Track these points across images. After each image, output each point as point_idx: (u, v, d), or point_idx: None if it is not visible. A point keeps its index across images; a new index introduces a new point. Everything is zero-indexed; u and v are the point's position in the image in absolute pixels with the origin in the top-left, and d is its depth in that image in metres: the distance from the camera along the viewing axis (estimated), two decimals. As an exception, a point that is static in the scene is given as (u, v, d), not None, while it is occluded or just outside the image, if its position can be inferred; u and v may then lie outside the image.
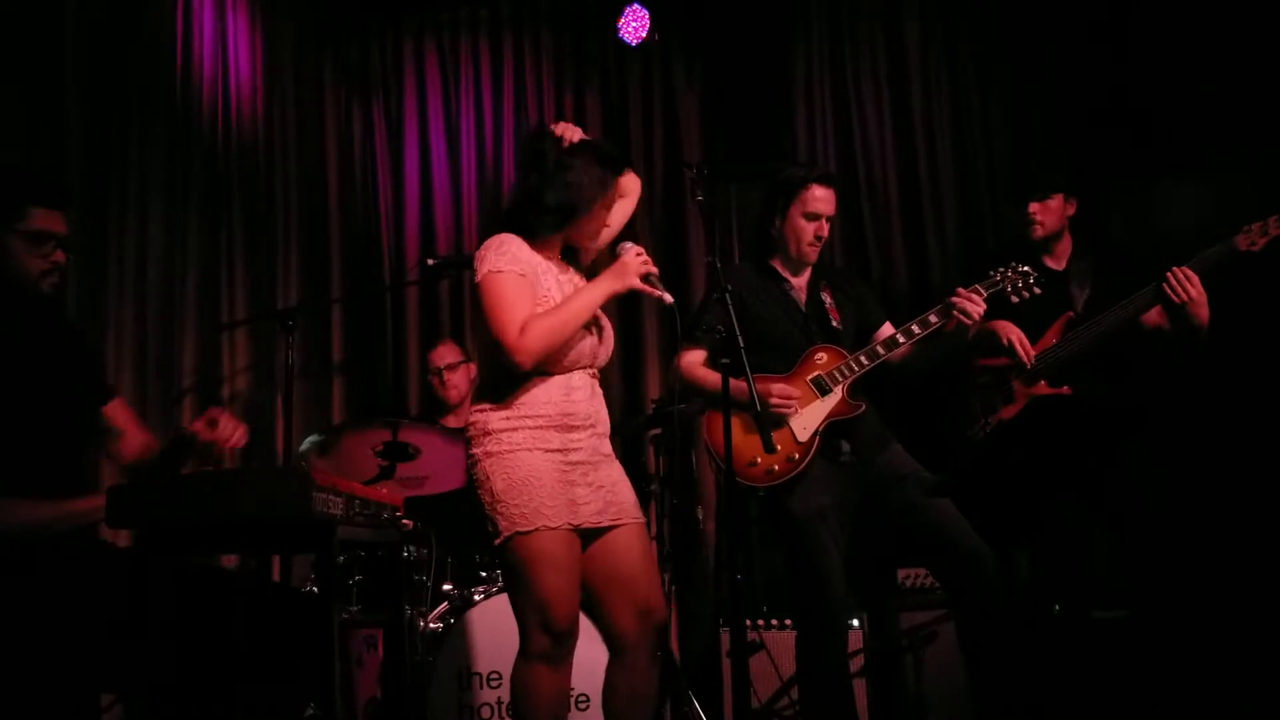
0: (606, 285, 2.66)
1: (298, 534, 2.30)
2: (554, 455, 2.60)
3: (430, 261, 4.24)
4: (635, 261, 2.67)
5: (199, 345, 4.64)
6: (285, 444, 4.14)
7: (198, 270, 4.71)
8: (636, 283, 2.66)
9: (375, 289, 5.22)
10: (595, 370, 2.75)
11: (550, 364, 2.62)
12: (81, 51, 4.31)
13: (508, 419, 2.61)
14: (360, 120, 5.35)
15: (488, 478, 2.60)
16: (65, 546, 2.38)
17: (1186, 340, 3.32)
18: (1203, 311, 3.25)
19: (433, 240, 5.24)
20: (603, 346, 2.76)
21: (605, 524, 2.65)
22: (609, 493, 2.67)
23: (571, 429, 2.63)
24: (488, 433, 2.62)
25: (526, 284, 2.62)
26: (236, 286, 4.86)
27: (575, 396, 2.66)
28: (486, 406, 2.65)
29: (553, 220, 2.68)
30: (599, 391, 2.75)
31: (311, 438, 3.90)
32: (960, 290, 3.18)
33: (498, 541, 2.59)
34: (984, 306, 3.16)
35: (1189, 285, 3.23)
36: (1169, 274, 3.25)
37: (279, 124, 5.13)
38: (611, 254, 2.75)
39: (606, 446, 2.74)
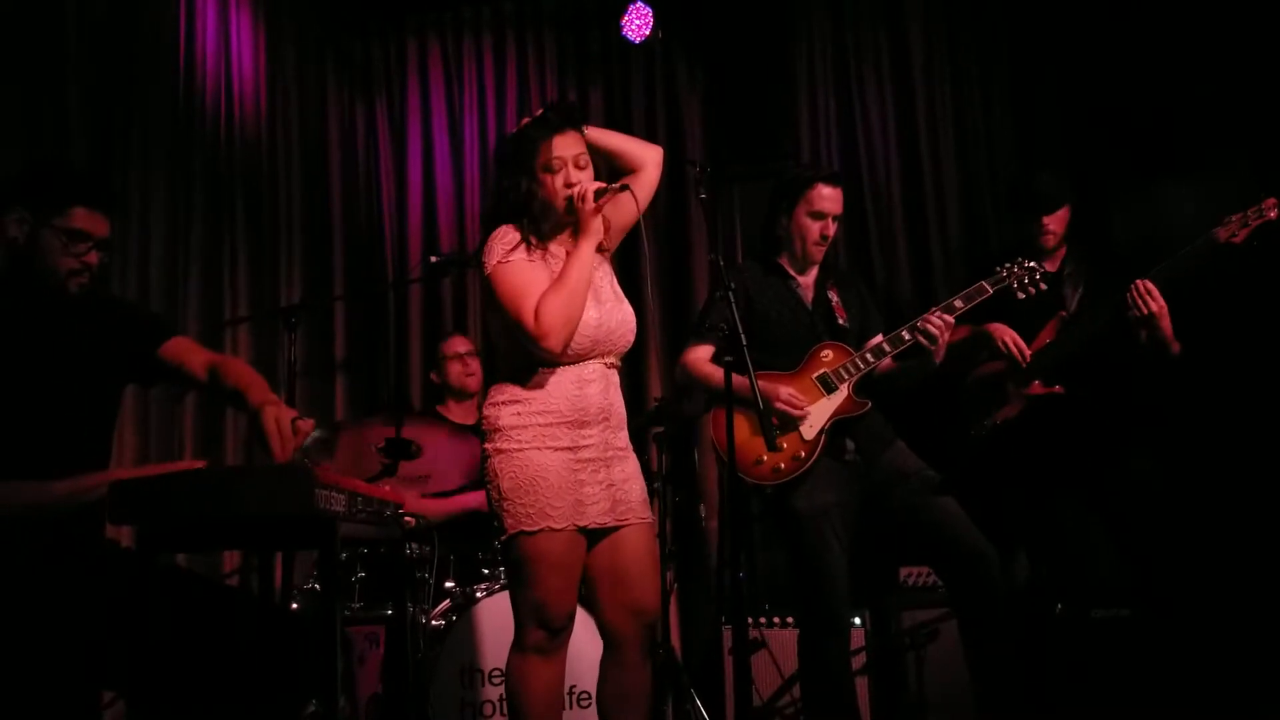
0: (582, 237, 2.62)
1: (300, 531, 2.29)
2: (563, 453, 2.59)
3: (433, 259, 4.23)
4: (576, 199, 2.61)
5: (201, 342, 4.60)
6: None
7: (200, 267, 4.71)
8: (595, 207, 2.61)
9: (378, 287, 5.22)
10: (614, 361, 2.71)
11: (567, 352, 2.60)
12: (83, 50, 4.31)
13: (518, 415, 2.61)
14: (363, 119, 5.36)
15: (496, 475, 2.60)
16: (69, 543, 2.38)
17: (1156, 352, 3.34)
18: (1165, 323, 3.28)
19: (435, 238, 5.25)
20: (621, 332, 2.71)
21: (611, 524, 2.64)
22: (618, 490, 2.65)
23: (583, 424, 2.61)
24: (498, 429, 2.62)
25: (537, 268, 2.62)
26: (239, 284, 4.86)
27: (588, 390, 2.63)
28: (498, 401, 2.65)
29: (524, 210, 2.65)
30: (615, 383, 2.71)
31: (314, 435, 3.90)
32: (935, 310, 3.19)
33: (503, 538, 2.61)
34: (946, 328, 3.15)
35: (1149, 299, 3.26)
36: (1131, 287, 3.28)
37: (282, 122, 5.13)
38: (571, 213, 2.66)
39: (621, 440, 2.71)
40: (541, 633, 2.57)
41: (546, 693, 2.59)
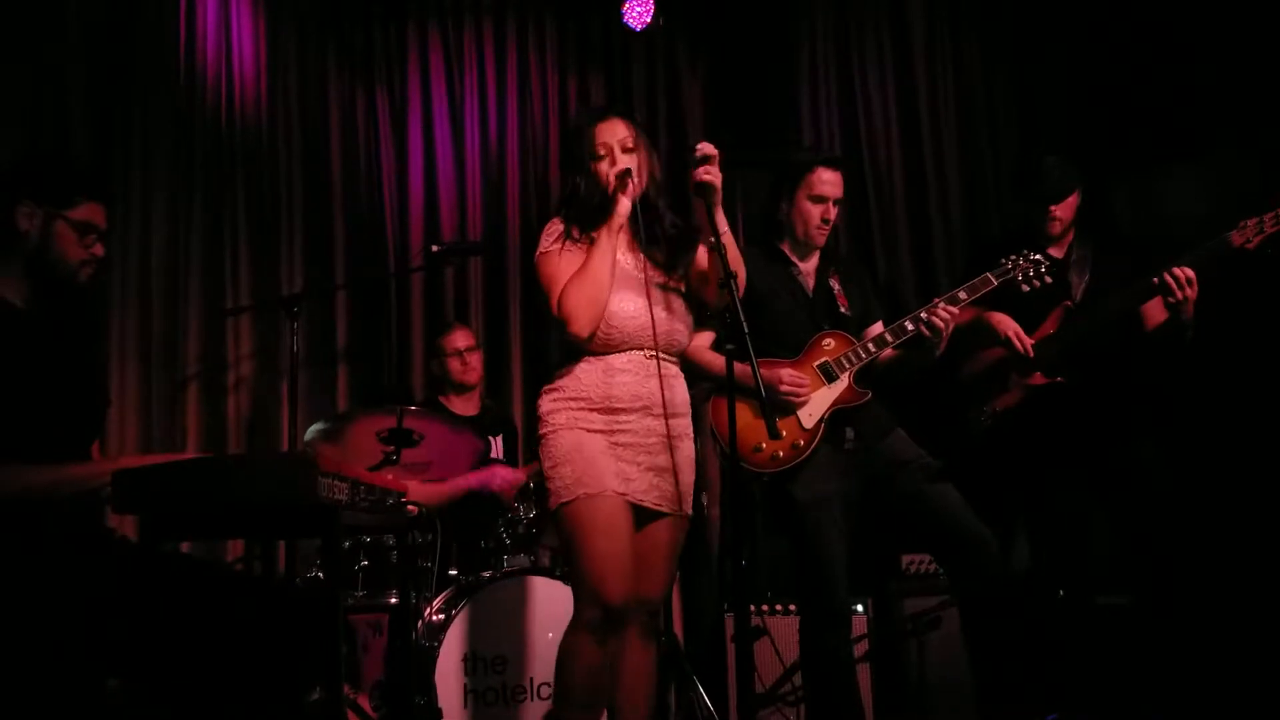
0: (606, 223, 2.71)
1: (303, 520, 2.31)
2: (597, 435, 2.67)
3: (435, 248, 4.24)
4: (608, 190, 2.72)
5: (203, 332, 4.65)
6: (290, 430, 4.14)
7: (201, 256, 4.71)
8: (617, 196, 2.71)
9: (380, 276, 5.21)
10: (655, 352, 2.73)
11: (598, 342, 2.68)
12: (84, 36, 4.31)
13: (554, 400, 2.73)
14: (364, 106, 5.33)
15: (542, 458, 2.71)
16: (72, 531, 2.39)
17: (1175, 335, 3.31)
18: (1191, 308, 3.24)
19: (437, 227, 5.23)
20: (664, 330, 2.74)
21: (650, 506, 2.69)
22: (658, 478, 2.71)
23: (615, 411, 2.68)
24: (539, 417, 2.74)
25: (573, 258, 2.70)
26: (240, 273, 4.85)
27: (619, 379, 2.69)
28: (543, 391, 2.77)
29: (571, 204, 2.75)
30: (656, 373, 2.73)
31: (316, 425, 3.90)
32: (939, 301, 3.18)
33: (552, 517, 2.69)
34: (952, 320, 3.15)
35: (1186, 287, 3.19)
36: (1167, 273, 3.21)
37: (283, 110, 5.11)
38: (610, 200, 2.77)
39: (674, 428, 2.74)
40: (597, 610, 2.59)
41: (589, 674, 2.61)
